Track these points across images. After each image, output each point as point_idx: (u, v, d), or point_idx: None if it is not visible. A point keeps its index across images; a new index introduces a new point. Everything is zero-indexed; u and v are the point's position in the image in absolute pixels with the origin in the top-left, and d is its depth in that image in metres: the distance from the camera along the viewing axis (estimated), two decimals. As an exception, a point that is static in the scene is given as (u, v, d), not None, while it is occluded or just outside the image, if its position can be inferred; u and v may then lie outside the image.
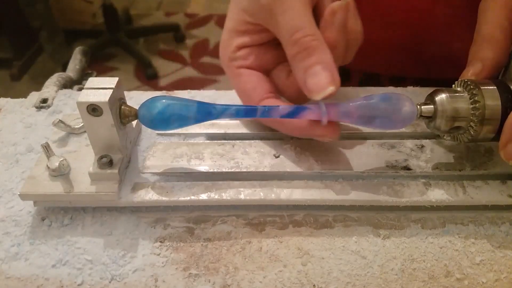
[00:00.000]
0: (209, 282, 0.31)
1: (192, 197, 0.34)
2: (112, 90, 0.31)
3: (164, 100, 0.32)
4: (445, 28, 0.48)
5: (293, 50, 0.32)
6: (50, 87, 0.45)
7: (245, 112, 0.33)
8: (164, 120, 0.32)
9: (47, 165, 0.33)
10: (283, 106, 0.33)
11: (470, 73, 0.33)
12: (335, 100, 0.33)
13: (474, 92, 0.31)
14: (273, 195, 0.34)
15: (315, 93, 0.31)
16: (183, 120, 0.33)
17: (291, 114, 0.33)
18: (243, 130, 0.39)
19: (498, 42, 0.32)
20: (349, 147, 0.37)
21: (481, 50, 0.33)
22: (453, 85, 0.34)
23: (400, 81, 0.53)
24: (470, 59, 0.34)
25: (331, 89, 0.31)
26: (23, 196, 0.33)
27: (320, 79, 0.31)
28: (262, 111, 0.33)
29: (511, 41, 0.33)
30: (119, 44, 2.10)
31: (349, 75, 0.57)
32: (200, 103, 0.33)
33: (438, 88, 0.33)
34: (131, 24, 2.33)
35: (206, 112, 0.33)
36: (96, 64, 2.02)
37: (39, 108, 0.43)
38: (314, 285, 0.30)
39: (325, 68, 0.31)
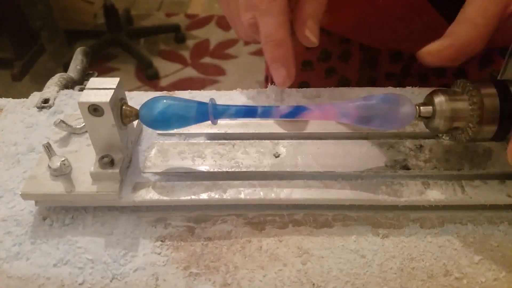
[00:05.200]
0: (210, 281, 0.31)
1: (193, 197, 0.34)
2: (113, 90, 0.32)
3: (164, 100, 0.32)
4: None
5: None
6: (51, 87, 0.45)
7: (245, 112, 0.33)
8: (164, 121, 0.33)
9: (48, 165, 0.34)
10: (283, 106, 0.34)
11: (437, 44, 0.31)
12: (336, 100, 0.33)
13: (472, 92, 0.31)
14: (273, 195, 0.34)
15: None
16: (183, 120, 0.33)
17: (291, 114, 0.33)
18: (244, 130, 0.39)
19: (477, 26, 0.31)
20: (349, 147, 0.37)
21: (457, 28, 0.31)
22: (452, 85, 0.34)
23: (398, 58, 0.55)
24: (444, 35, 0.32)
25: None
26: (25, 196, 0.33)
27: None
28: (262, 111, 0.33)
29: (492, 30, 0.31)
30: (120, 45, 2.10)
31: (349, 55, 0.57)
32: (200, 103, 0.33)
33: (437, 88, 0.33)
34: (132, 24, 2.34)
35: (207, 112, 0.33)
36: (97, 64, 2.02)
37: (40, 108, 0.43)
38: (313, 284, 0.31)
39: None
